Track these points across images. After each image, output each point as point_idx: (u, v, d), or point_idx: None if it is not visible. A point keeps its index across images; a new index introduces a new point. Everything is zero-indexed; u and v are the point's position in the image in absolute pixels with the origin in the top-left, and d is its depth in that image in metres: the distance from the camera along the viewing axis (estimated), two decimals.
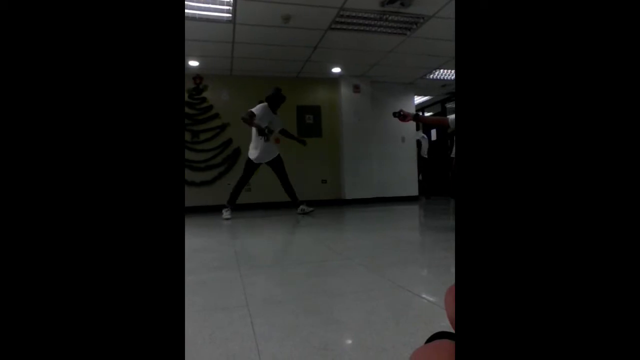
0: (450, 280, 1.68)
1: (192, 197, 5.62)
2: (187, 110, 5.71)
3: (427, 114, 7.24)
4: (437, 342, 0.16)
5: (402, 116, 3.10)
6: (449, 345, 0.15)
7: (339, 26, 4.36)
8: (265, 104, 4.32)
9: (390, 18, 4.19)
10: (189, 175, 5.69)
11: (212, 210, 5.59)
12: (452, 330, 0.15)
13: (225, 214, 4.42)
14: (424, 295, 1.46)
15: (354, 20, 4.25)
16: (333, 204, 5.17)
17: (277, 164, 4.47)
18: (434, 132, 7.84)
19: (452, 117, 2.90)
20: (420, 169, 6.99)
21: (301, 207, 4.52)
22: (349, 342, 1.08)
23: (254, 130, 4.28)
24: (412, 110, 6.44)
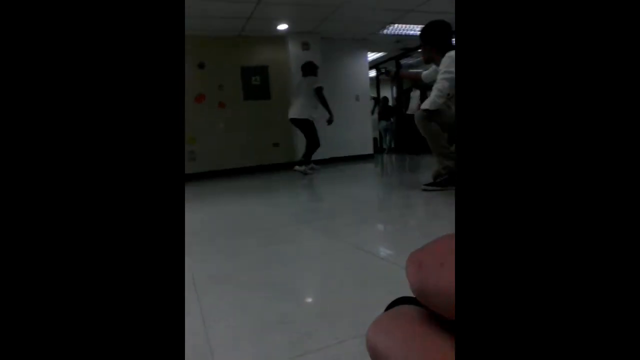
0: (409, 239, 1.67)
1: None
2: None
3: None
4: (396, 309, 0.15)
5: (386, 72, 3.90)
6: (409, 311, 0.15)
7: None
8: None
9: None
10: None
11: None
12: (411, 295, 0.15)
13: (305, 168, 4.71)
14: (382, 256, 1.44)
15: None
16: (287, 167, 5.06)
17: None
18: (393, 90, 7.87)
19: (425, 72, 3.01)
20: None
21: (303, 167, 4.77)
22: (306, 312, 1.02)
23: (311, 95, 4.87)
24: (366, 68, 6.58)
